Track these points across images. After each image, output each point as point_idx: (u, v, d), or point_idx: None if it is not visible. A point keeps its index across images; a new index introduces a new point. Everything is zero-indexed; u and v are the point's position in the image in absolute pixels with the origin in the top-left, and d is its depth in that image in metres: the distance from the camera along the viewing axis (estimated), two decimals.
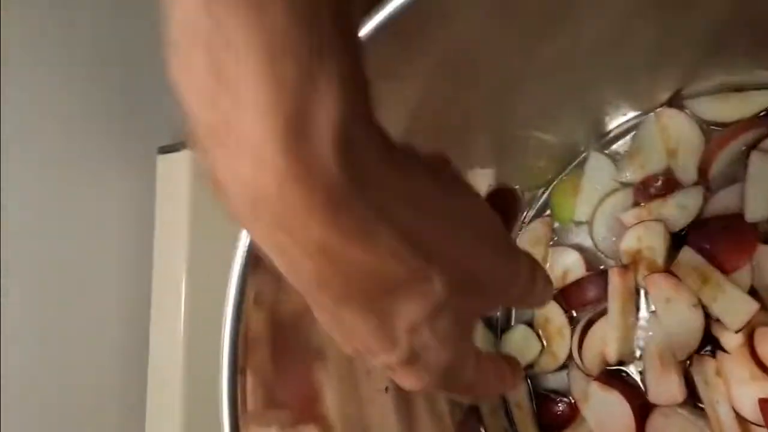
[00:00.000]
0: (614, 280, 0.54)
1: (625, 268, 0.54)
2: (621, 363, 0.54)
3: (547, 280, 0.31)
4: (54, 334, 0.63)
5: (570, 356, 0.56)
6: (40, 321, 0.61)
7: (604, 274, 0.55)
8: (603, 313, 0.55)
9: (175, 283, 0.65)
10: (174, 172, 0.66)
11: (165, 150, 0.66)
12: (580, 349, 0.55)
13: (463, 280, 0.25)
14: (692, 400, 0.52)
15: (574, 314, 0.57)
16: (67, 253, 0.64)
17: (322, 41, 0.19)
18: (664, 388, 0.52)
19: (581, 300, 0.56)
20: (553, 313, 0.57)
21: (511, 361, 0.34)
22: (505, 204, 0.30)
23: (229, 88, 0.19)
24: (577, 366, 0.56)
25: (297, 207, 0.20)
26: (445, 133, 0.50)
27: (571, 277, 0.57)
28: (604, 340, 0.54)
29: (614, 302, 0.54)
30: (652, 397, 0.53)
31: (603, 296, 0.55)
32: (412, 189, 0.22)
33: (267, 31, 0.18)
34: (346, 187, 0.20)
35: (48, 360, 0.62)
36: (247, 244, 0.42)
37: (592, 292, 0.56)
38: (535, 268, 0.29)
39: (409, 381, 0.27)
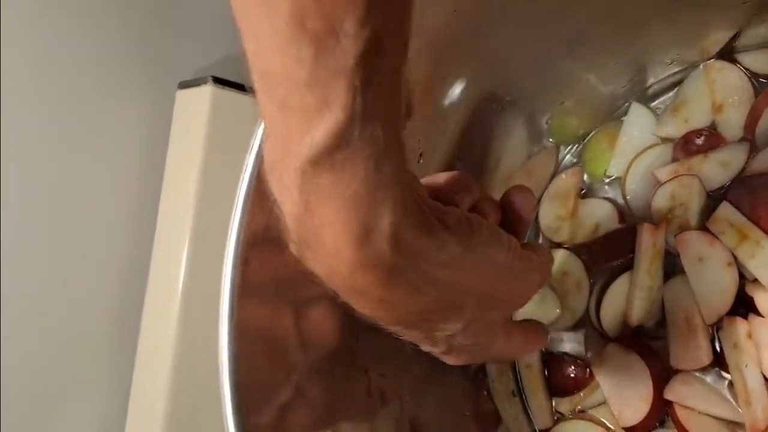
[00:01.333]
0: (644, 236, 0.50)
1: (656, 225, 0.51)
2: (641, 327, 0.51)
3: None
4: (59, 256, 0.62)
5: (587, 314, 0.53)
6: (43, 243, 0.60)
7: (634, 230, 0.52)
8: (624, 270, 0.51)
9: (181, 219, 0.63)
10: (193, 107, 0.64)
11: (185, 85, 0.65)
12: (599, 308, 0.52)
13: (488, 301, 0.33)
14: (716, 366, 0.48)
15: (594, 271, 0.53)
16: (77, 177, 0.62)
17: (386, 193, 0.25)
18: (690, 353, 0.48)
19: (608, 255, 0.53)
20: (571, 265, 0.53)
21: (536, 324, 0.43)
22: (516, 201, 0.36)
23: (315, 216, 0.25)
24: (594, 326, 0.52)
25: (364, 283, 0.27)
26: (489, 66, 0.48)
27: (602, 231, 0.54)
28: (626, 300, 0.50)
29: (642, 260, 0.50)
30: (675, 361, 0.49)
31: (631, 253, 0.51)
32: (445, 254, 0.29)
33: (344, 190, 0.25)
34: (398, 266, 0.27)
35: (50, 279, 0.61)
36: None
37: (620, 248, 0.52)
38: (546, 263, 0.36)
39: (448, 360, 0.36)
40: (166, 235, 0.65)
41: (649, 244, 0.50)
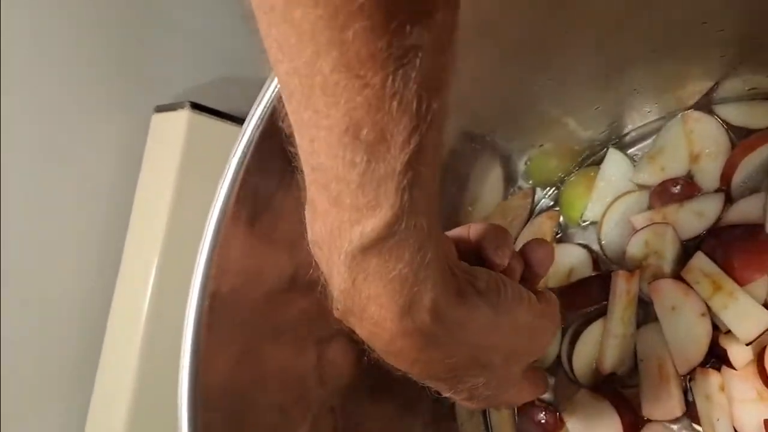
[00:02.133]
0: (618, 283, 0.50)
1: (631, 273, 0.51)
2: (613, 374, 0.50)
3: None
4: (24, 274, 0.60)
5: (558, 360, 0.52)
6: (8, 261, 0.58)
7: (608, 277, 0.51)
8: (598, 317, 0.51)
9: (150, 242, 0.62)
10: (169, 131, 0.64)
11: (162, 109, 0.64)
12: (571, 354, 0.51)
13: (512, 356, 0.35)
14: (688, 418, 0.48)
15: (567, 317, 0.53)
16: (48, 194, 0.61)
17: (427, 272, 0.28)
18: (662, 403, 0.48)
19: (581, 302, 0.52)
20: None
21: (540, 371, 0.47)
22: (536, 256, 0.38)
23: (361, 292, 0.28)
24: (565, 372, 0.52)
25: (402, 347, 0.29)
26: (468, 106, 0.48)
27: (576, 276, 0.53)
28: (598, 347, 0.50)
29: (616, 308, 0.50)
30: (647, 411, 0.48)
31: (604, 300, 0.51)
32: (477, 318, 0.31)
33: (390, 272, 0.27)
34: (435, 333, 0.29)
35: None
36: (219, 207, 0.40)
37: (593, 295, 0.52)
38: (557, 311, 0.38)
39: (467, 405, 0.38)
40: (133, 258, 0.63)
41: (623, 291, 0.49)
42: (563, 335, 0.52)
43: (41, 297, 0.61)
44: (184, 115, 0.62)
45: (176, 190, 0.62)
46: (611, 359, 0.49)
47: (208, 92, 0.68)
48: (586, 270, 0.54)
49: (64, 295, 0.63)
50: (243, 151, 0.40)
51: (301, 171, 0.27)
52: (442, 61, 0.24)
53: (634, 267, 0.51)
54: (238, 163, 0.40)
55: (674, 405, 0.48)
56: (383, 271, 0.27)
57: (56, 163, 0.61)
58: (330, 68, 0.23)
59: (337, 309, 0.29)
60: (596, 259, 0.54)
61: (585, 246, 0.55)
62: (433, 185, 0.27)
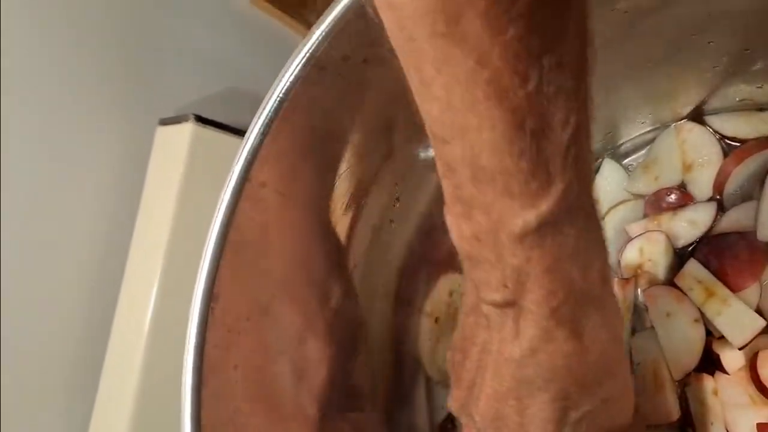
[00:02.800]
0: (615, 290, 0.51)
1: (626, 280, 0.52)
2: None
3: None
4: (28, 286, 0.61)
5: None
6: (12, 272, 0.59)
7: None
8: None
9: (152, 255, 0.63)
10: (173, 143, 0.65)
11: (166, 122, 0.65)
12: None
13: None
14: (683, 423, 0.49)
15: None
16: (51, 205, 0.62)
17: (598, 236, 0.29)
18: (658, 408, 0.48)
19: None
20: None
21: None
22: None
23: (538, 266, 0.28)
24: None
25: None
26: None
27: None
28: None
29: None
30: (644, 416, 0.49)
31: None
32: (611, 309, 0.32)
33: (566, 241, 0.28)
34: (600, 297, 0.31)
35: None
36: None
37: None
38: None
39: None
40: (136, 268, 0.64)
41: (618, 298, 0.50)
42: None
43: (45, 309, 0.62)
44: (188, 128, 0.63)
45: (180, 202, 0.63)
46: None
47: (212, 105, 0.70)
48: None
49: (69, 306, 0.64)
50: (246, 159, 0.41)
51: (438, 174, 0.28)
52: (585, 45, 0.26)
53: (630, 274, 0.52)
54: (241, 171, 0.41)
55: (670, 409, 0.48)
56: (561, 243, 0.28)
57: (60, 175, 0.62)
58: (491, 72, 0.24)
59: (506, 287, 0.29)
60: None
61: None
62: (591, 159, 0.28)
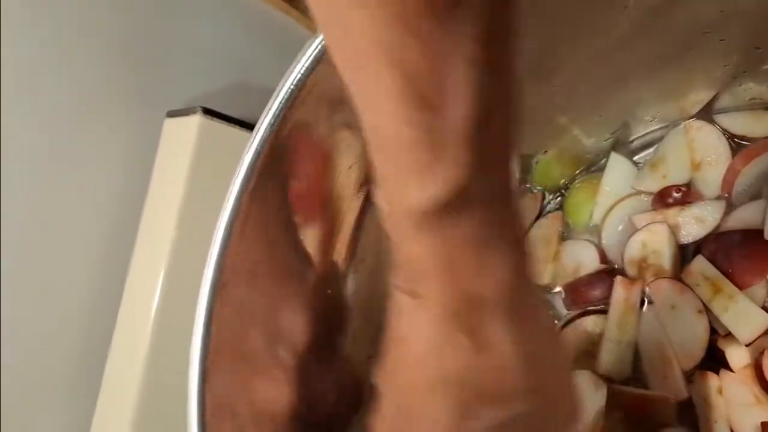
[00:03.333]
0: (618, 290, 0.52)
1: (631, 280, 0.52)
2: (608, 379, 0.51)
3: None
4: (32, 279, 0.61)
5: None
6: (17, 265, 0.60)
7: (616, 272, 0.53)
8: (597, 312, 0.52)
9: (158, 248, 0.63)
10: (180, 136, 0.65)
11: (174, 114, 0.65)
12: None
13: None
14: (687, 421, 0.49)
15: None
16: (58, 198, 0.62)
17: (503, 235, 0.26)
18: (668, 382, 0.48)
19: (586, 297, 0.53)
20: None
21: None
22: None
23: (433, 257, 0.26)
24: None
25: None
26: None
27: (584, 272, 0.54)
28: (589, 340, 0.51)
29: (614, 313, 0.51)
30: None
31: (609, 297, 0.52)
32: (539, 322, 0.29)
33: (465, 235, 0.25)
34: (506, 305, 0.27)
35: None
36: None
37: (598, 291, 0.53)
38: None
39: None
40: (142, 261, 0.65)
41: (621, 298, 0.51)
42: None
43: (49, 301, 0.62)
44: (195, 121, 0.63)
45: (186, 195, 0.63)
46: (606, 364, 0.50)
47: (219, 98, 0.70)
48: (594, 264, 0.55)
49: (73, 300, 0.64)
50: (256, 151, 0.41)
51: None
52: (504, 11, 0.23)
53: (636, 270, 0.52)
54: (250, 162, 0.41)
55: (680, 386, 0.48)
56: (457, 236, 0.25)
57: (67, 168, 0.62)
58: (381, 23, 0.21)
59: (408, 278, 0.27)
60: (604, 252, 0.55)
61: (592, 242, 0.56)
62: (509, 147, 0.25)
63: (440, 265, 0.26)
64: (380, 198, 0.26)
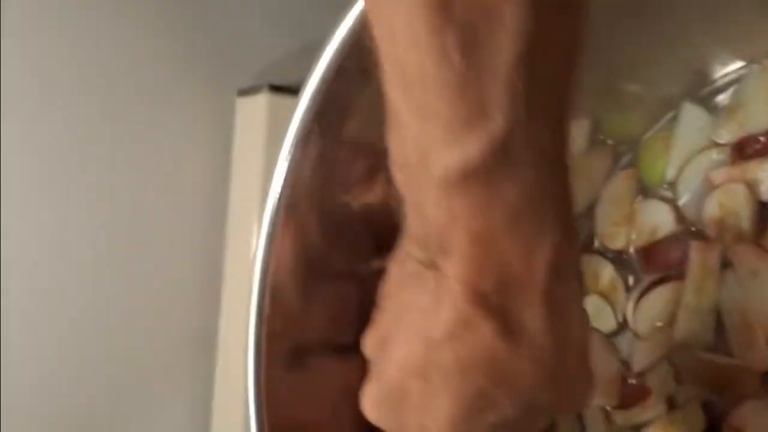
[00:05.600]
0: (694, 255, 0.49)
1: (708, 242, 0.49)
2: (686, 347, 0.49)
3: None
4: (129, 262, 0.65)
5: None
6: (111, 250, 0.63)
7: (694, 234, 0.50)
8: (675, 277, 0.50)
9: (248, 226, 0.65)
10: (251, 115, 0.65)
11: (244, 93, 0.66)
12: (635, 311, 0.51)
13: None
14: None
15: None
16: (143, 187, 0.65)
17: (547, 208, 0.23)
18: (754, 351, 0.46)
19: (663, 261, 0.51)
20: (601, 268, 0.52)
21: None
22: None
23: (463, 228, 0.22)
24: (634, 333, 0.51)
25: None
26: None
27: (661, 234, 0.52)
28: (667, 309, 0.49)
29: (691, 278, 0.49)
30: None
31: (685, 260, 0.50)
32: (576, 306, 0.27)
33: (501, 203, 0.22)
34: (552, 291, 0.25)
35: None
36: None
37: (677, 254, 0.50)
38: None
39: None
40: (237, 241, 0.67)
41: (698, 262, 0.48)
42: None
43: (154, 281, 0.65)
44: (263, 98, 0.64)
45: (267, 173, 0.64)
46: (683, 329, 0.48)
47: (288, 71, 0.69)
48: (671, 226, 0.52)
49: (176, 278, 0.67)
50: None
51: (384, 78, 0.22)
52: None
53: (716, 230, 0.49)
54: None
55: (764, 356, 0.46)
56: (495, 204, 0.22)
57: (145, 155, 0.64)
58: None
59: (428, 246, 0.24)
60: (681, 213, 0.52)
61: (668, 201, 0.53)
62: (565, 94, 0.21)
63: (471, 238, 0.22)
64: (395, 145, 0.23)
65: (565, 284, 0.24)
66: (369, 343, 0.30)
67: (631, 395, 0.51)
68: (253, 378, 0.44)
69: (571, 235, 0.24)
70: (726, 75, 0.52)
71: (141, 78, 0.64)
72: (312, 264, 0.41)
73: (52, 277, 0.62)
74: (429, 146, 0.21)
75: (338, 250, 0.42)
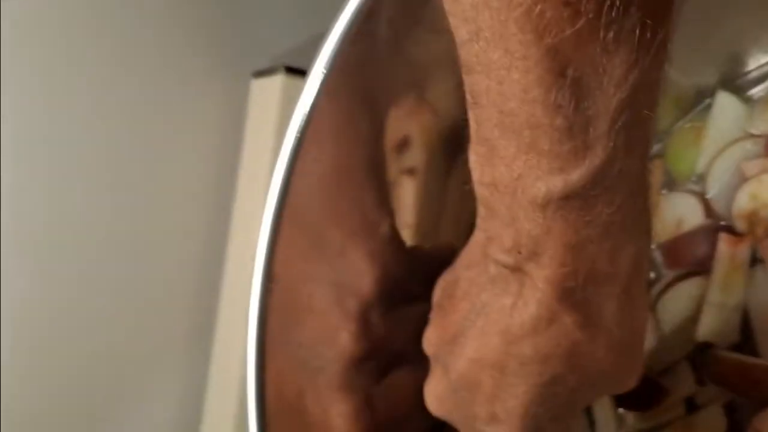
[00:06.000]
0: (722, 248, 0.46)
1: (738, 236, 0.46)
2: (709, 346, 0.46)
3: None
4: (136, 246, 0.63)
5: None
6: (120, 235, 0.62)
7: (723, 228, 0.47)
8: (700, 273, 0.47)
9: (256, 210, 0.63)
10: (266, 96, 0.64)
11: (260, 74, 0.65)
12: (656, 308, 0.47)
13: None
14: None
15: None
16: (154, 166, 0.64)
17: (637, 221, 0.26)
18: None
19: (689, 256, 0.48)
20: None
21: None
22: None
23: (558, 239, 0.25)
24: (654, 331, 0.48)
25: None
26: None
27: (686, 227, 0.49)
28: (691, 306, 0.46)
29: (718, 273, 0.46)
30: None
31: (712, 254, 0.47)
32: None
33: (597, 219, 0.25)
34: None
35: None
36: None
37: (703, 249, 0.47)
38: None
39: None
40: (242, 225, 0.65)
41: (726, 256, 0.45)
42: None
43: (152, 259, 0.64)
44: (278, 80, 0.63)
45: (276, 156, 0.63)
46: (706, 327, 0.45)
47: (306, 55, 0.68)
48: (697, 218, 0.49)
49: (176, 260, 0.66)
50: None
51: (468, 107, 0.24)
52: None
53: (746, 224, 0.46)
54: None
55: None
56: (590, 220, 0.24)
57: (159, 139, 0.63)
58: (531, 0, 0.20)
59: (519, 253, 0.26)
60: (709, 205, 0.49)
61: (695, 193, 0.50)
62: (651, 127, 0.25)
63: (566, 248, 0.25)
64: (483, 166, 0.25)
65: (639, 279, 0.28)
66: (434, 341, 0.33)
67: (647, 396, 0.48)
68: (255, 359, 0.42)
69: (648, 238, 0.28)
70: (764, 65, 0.49)
71: (159, 58, 0.64)
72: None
73: (54, 262, 0.60)
74: (528, 172, 0.23)
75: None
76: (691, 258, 0.48)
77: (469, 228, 0.46)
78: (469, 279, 0.31)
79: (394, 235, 0.42)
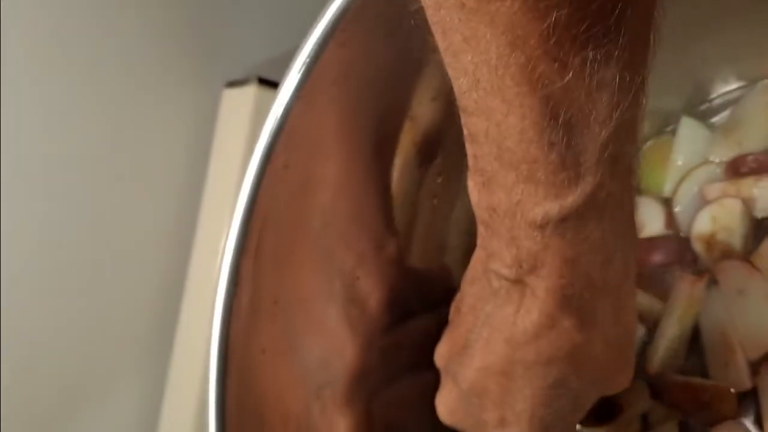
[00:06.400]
0: (682, 287, 0.47)
1: (697, 276, 0.47)
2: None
3: None
4: (99, 253, 0.63)
5: None
6: (84, 241, 0.61)
7: (680, 239, 0.49)
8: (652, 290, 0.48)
9: (222, 219, 0.63)
10: (237, 107, 0.64)
11: (232, 84, 0.65)
12: None
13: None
14: (751, 416, 0.44)
15: None
16: (120, 175, 0.63)
17: (625, 234, 0.29)
18: (730, 370, 0.44)
19: (645, 260, 0.49)
20: None
21: None
22: None
23: (556, 254, 0.27)
24: None
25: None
26: None
27: (647, 233, 0.50)
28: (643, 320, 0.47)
29: (674, 310, 0.47)
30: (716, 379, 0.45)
31: (676, 263, 0.48)
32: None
33: (590, 236, 0.27)
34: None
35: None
36: None
37: (659, 256, 0.49)
38: None
39: None
40: (207, 235, 0.65)
41: (684, 295, 0.46)
42: None
43: (116, 263, 0.63)
44: (251, 91, 0.63)
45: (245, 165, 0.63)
46: (659, 359, 0.46)
47: (277, 65, 0.69)
48: (658, 226, 0.51)
49: (140, 271, 0.65)
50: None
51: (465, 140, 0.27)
52: (646, 34, 0.24)
53: (704, 247, 0.48)
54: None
55: (742, 377, 0.44)
56: (584, 237, 0.27)
57: (127, 144, 0.63)
58: (526, 57, 0.22)
59: (520, 267, 0.28)
60: (671, 218, 0.51)
61: (663, 201, 0.51)
62: (634, 155, 0.27)
63: (563, 261, 0.27)
64: (481, 193, 0.27)
65: (628, 283, 0.31)
66: (444, 354, 0.36)
67: (603, 412, 0.49)
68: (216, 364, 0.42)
69: (634, 247, 0.30)
70: (727, 93, 0.51)
71: (131, 64, 0.63)
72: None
73: (14, 265, 0.59)
74: (527, 199, 0.26)
75: None
76: (647, 262, 0.49)
77: (440, 247, 0.48)
78: (473, 294, 0.33)
79: (399, 255, 0.44)
